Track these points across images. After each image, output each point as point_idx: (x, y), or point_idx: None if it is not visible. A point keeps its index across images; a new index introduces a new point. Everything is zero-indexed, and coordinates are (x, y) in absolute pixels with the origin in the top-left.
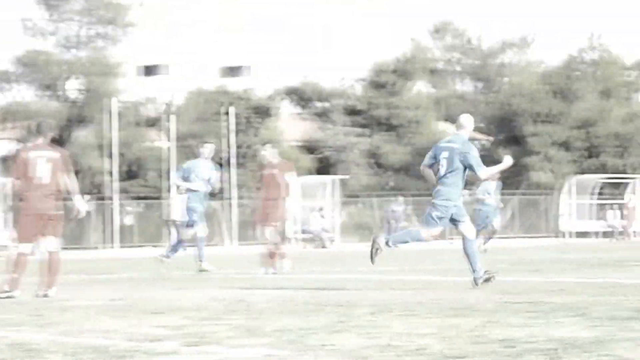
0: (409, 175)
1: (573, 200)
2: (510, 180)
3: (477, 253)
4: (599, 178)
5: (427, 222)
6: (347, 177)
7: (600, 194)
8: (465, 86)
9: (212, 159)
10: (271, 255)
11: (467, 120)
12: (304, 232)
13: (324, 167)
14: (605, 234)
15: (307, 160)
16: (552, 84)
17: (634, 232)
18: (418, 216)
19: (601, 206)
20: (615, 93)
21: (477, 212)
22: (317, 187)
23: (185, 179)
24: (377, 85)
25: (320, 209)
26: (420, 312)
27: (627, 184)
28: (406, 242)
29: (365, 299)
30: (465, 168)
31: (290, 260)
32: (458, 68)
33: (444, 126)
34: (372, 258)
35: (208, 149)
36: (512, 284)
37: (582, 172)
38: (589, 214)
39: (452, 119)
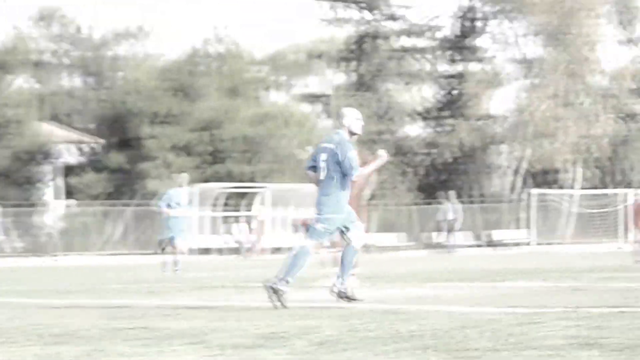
0: (8, 182)
1: (194, 212)
2: (124, 189)
3: (350, 264)
4: (224, 187)
5: (312, 235)
6: None
7: (225, 205)
8: (74, 81)
9: None
10: None
11: (349, 115)
12: None
13: None
14: (232, 250)
15: None
16: (172, 80)
17: (263, 248)
18: (10, 230)
19: (226, 219)
20: (242, 91)
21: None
22: None
23: None
24: None
25: None
26: (17, 339)
27: (256, 193)
28: (302, 267)
29: None
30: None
31: None
32: (66, 61)
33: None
34: (283, 304)
35: None
36: (122, 307)
37: (206, 180)
38: (213, 228)
39: (58, 118)
